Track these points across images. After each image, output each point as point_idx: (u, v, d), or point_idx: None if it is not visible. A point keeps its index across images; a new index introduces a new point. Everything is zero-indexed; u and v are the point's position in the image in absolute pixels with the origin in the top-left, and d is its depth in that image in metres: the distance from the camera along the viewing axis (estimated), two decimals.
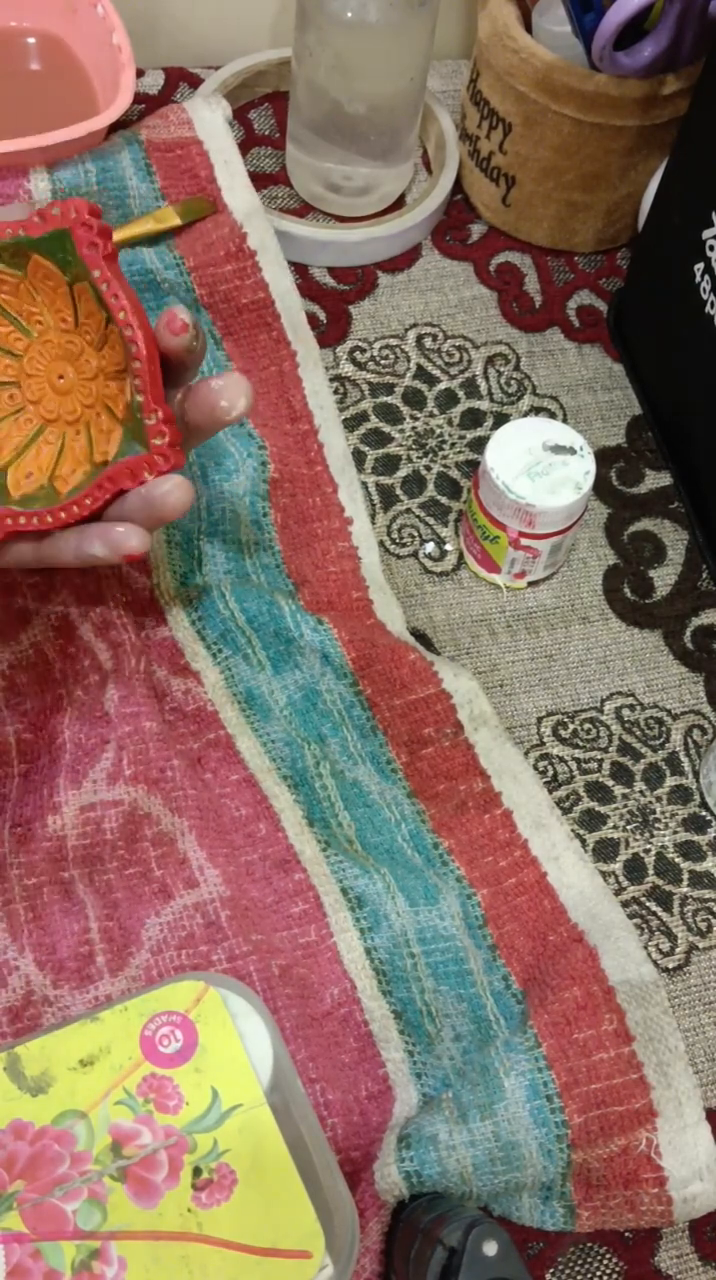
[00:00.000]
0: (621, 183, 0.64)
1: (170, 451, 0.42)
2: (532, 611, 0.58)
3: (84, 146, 0.59)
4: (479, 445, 0.61)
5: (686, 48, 0.58)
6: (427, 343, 0.64)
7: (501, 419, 0.62)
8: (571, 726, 0.55)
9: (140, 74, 0.69)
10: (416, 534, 0.59)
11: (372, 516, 0.59)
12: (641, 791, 0.54)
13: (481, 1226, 0.37)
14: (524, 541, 0.54)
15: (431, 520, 0.59)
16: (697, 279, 0.55)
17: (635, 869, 0.52)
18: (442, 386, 0.63)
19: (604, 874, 0.52)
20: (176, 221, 0.60)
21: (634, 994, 0.45)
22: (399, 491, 0.60)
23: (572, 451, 0.53)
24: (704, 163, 0.53)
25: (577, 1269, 0.45)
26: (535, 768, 0.54)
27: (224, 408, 0.42)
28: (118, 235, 0.59)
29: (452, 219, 0.68)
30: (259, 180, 0.67)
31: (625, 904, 0.51)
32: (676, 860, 0.53)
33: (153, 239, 0.60)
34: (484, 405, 0.63)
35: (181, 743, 0.50)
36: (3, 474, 0.45)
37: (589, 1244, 0.45)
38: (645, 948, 0.50)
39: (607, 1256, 0.45)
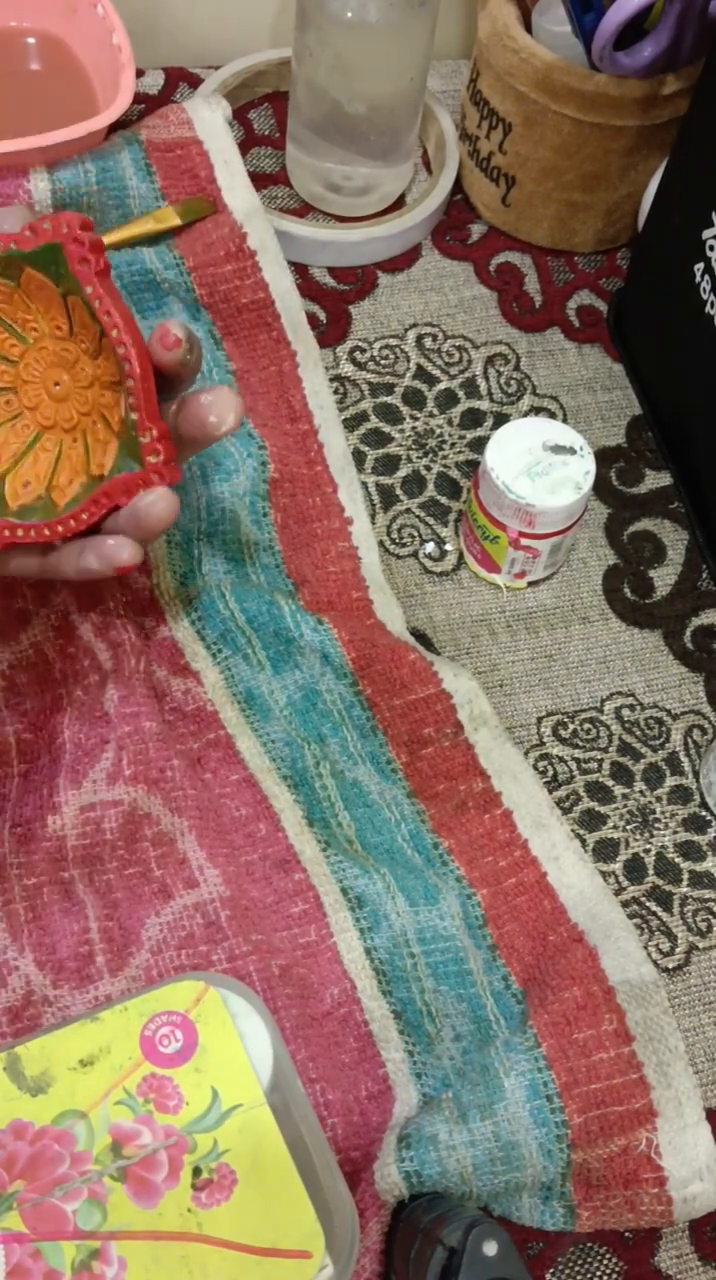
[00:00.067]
0: (621, 183, 0.64)
1: (165, 469, 0.42)
2: (532, 611, 0.58)
3: (84, 146, 0.59)
4: (479, 445, 0.61)
5: (686, 48, 0.58)
6: (428, 343, 0.64)
7: (501, 419, 0.62)
8: (571, 726, 0.55)
9: (140, 74, 0.69)
10: (416, 534, 0.59)
11: (373, 516, 0.59)
12: (641, 791, 0.54)
13: (481, 1226, 0.37)
14: (524, 541, 0.54)
15: (431, 520, 0.59)
16: (697, 279, 0.55)
17: (635, 869, 0.52)
18: (442, 386, 0.63)
19: (604, 874, 0.52)
20: (176, 221, 0.60)
21: (634, 994, 0.45)
22: (399, 491, 0.60)
23: (572, 451, 0.53)
24: (704, 163, 0.53)
25: (577, 1269, 0.45)
26: (535, 768, 0.54)
27: (213, 423, 0.42)
28: (118, 235, 0.59)
29: (452, 219, 0.68)
30: (259, 180, 0.67)
31: (625, 904, 0.51)
32: (676, 860, 0.53)
33: (153, 239, 0.60)
34: (484, 405, 0.63)
35: (181, 743, 0.50)
36: (1, 483, 0.45)
37: (589, 1244, 0.45)
38: (645, 948, 0.50)
39: (607, 1256, 0.45)
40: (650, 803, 0.54)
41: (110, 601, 0.51)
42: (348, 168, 0.64)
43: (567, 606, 0.58)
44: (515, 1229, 0.45)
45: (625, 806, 0.53)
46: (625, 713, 0.56)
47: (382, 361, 0.63)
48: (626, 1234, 0.45)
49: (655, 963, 0.50)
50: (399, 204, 0.67)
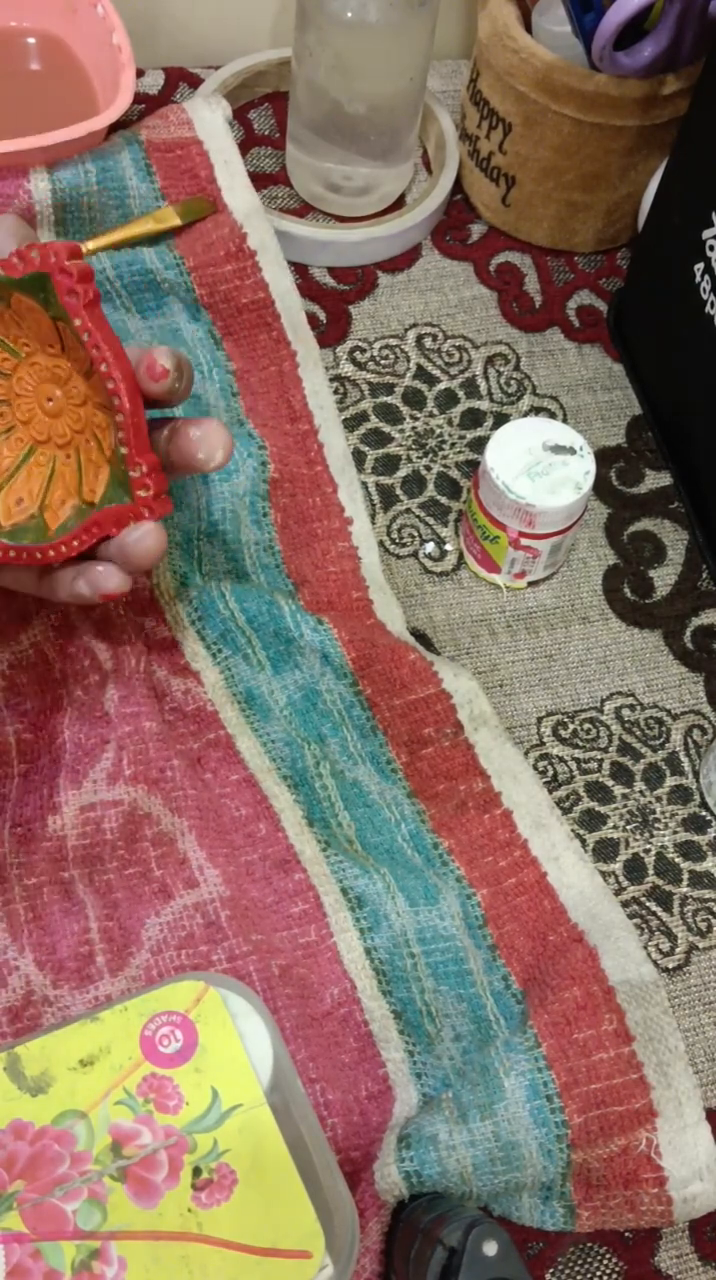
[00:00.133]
0: (621, 183, 0.64)
1: (155, 503, 0.42)
2: (532, 611, 0.58)
3: (84, 146, 0.59)
4: (479, 445, 0.61)
5: (686, 48, 0.58)
6: (428, 343, 0.64)
7: (501, 419, 0.62)
8: (571, 726, 0.55)
9: (140, 74, 0.69)
10: (416, 534, 0.59)
11: (373, 516, 0.59)
12: (641, 791, 0.54)
13: (481, 1226, 0.37)
14: (524, 541, 0.54)
15: (431, 520, 0.59)
16: (697, 279, 0.55)
17: (635, 869, 0.52)
18: (442, 386, 0.63)
19: (604, 874, 0.52)
20: (176, 221, 0.60)
21: (634, 994, 0.45)
22: (399, 491, 0.60)
23: (572, 451, 0.53)
24: (704, 163, 0.53)
25: (577, 1269, 0.45)
26: (535, 768, 0.54)
27: (201, 459, 0.42)
28: (118, 235, 0.59)
29: (452, 219, 0.68)
30: (259, 180, 0.67)
31: (625, 904, 0.51)
32: (676, 860, 0.53)
33: (153, 239, 0.60)
34: (484, 405, 0.63)
35: (181, 743, 0.50)
36: None
37: (589, 1244, 0.45)
38: (645, 948, 0.50)
39: (607, 1256, 0.45)
40: (650, 803, 0.54)
41: (110, 602, 0.51)
42: (348, 168, 0.64)
43: (567, 606, 0.58)
44: (515, 1229, 0.45)
45: (625, 806, 0.53)
46: (625, 713, 0.56)
47: (382, 361, 0.63)
48: (626, 1234, 0.45)
49: (655, 963, 0.50)
50: (399, 204, 0.67)
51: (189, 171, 0.61)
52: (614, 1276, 0.45)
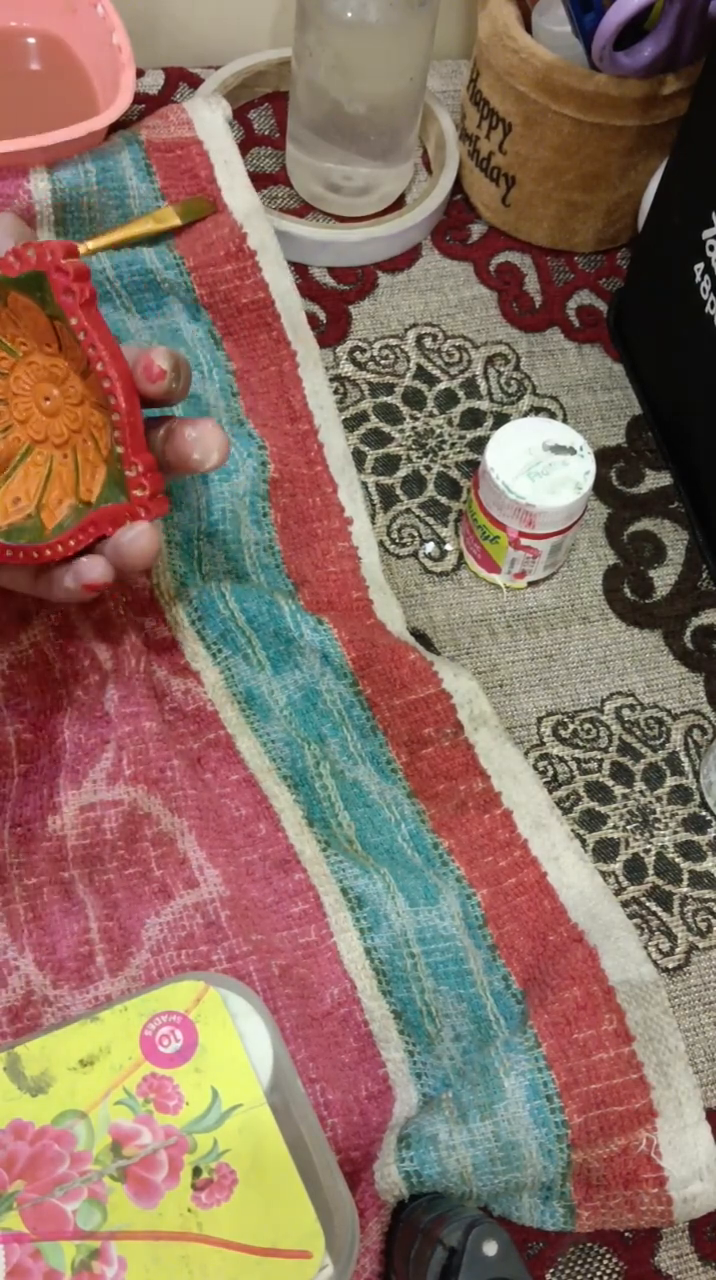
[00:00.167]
0: (621, 183, 0.64)
1: (151, 503, 0.42)
2: (532, 611, 0.58)
3: (84, 146, 0.59)
4: (479, 445, 0.61)
5: (686, 48, 0.58)
6: (428, 343, 0.64)
7: (501, 419, 0.62)
8: (571, 726, 0.55)
9: (140, 74, 0.69)
10: (416, 534, 0.59)
11: (373, 516, 0.59)
12: (641, 791, 0.54)
13: (481, 1226, 0.37)
14: (524, 541, 0.54)
15: (431, 520, 0.59)
16: (697, 279, 0.55)
17: (635, 869, 0.52)
18: (442, 386, 0.63)
19: (604, 874, 0.52)
20: (176, 221, 0.60)
21: (634, 994, 0.45)
22: (399, 491, 0.60)
23: (572, 451, 0.53)
24: (704, 163, 0.53)
25: (577, 1269, 0.45)
26: (535, 768, 0.54)
27: (197, 460, 0.42)
28: (118, 235, 0.59)
29: (452, 219, 0.68)
30: (259, 180, 0.67)
31: (625, 904, 0.51)
32: (676, 860, 0.53)
33: (153, 239, 0.60)
34: (484, 405, 0.63)
35: (181, 743, 0.50)
36: None
37: (589, 1244, 0.45)
38: (645, 948, 0.50)
39: (607, 1256, 0.45)
40: (650, 803, 0.54)
41: (110, 601, 0.51)
42: (348, 168, 0.64)
43: (567, 606, 0.58)
44: (515, 1229, 0.45)
45: (625, 806, 0.53)
46: (625, 713, 0.56)
47: (382, 361, 0.63)
48: (626, 1234, 0.45)
49: (655, 963, 0.50)
50: (399, 204, 0.67)
51: (189, 171, 0.61)
52: (614, 1276, 0.45)
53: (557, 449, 0.53)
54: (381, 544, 0.58)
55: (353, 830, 0.49)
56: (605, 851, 0.52)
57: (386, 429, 0.61)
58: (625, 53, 0.57)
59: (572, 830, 0.52)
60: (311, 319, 0.63)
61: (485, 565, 0.57)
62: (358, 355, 0.63)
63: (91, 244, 0.59)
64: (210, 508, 0.55)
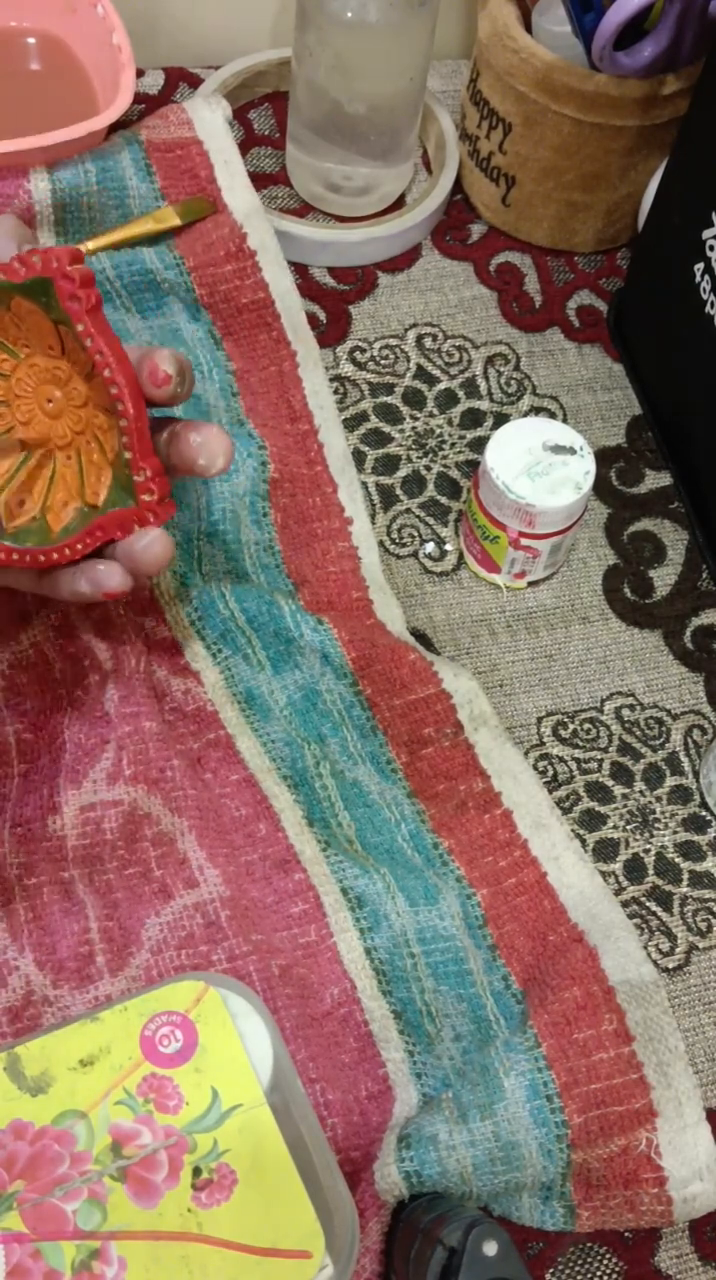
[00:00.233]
0: (621, 183, 0.64)
1: (159, 507, 0.42)
2: (532, 611, 0.58)
3: (84, 146, 0.59)
4: (479, 445, 0.61)
5: (686, 48, 0.58)
6: (428, 343, 0.64)
7: (501, 419, 0.62)
8: (571, 726, 0.55)
9: (140, 74, 0.69)
10: (416, 534, 0.59)
11: (373, 516, 0.59)
12: (641, 791, 0.54)
13: (481, 1226, 0.37)
14: (524, 541, 0.54)
15: (431, 520, 0.59)
16: (697, 279, 0.55)
17: (635, 869, 0.52)
18: (442, 386, 0.63)
19: (604, 874, 0.52)
20: (176, 221, 0.60)
21: (634, 994, 0.45)
22: (399, 491, 0.60)
23: (572, 451, 0.53)
24: (704, 163, 0.53)
25: (577, 1269, 0.45)
26: (535, 768, 0.54)
27: (202, 465, 0.42)
28: (118, 235, 0.59)
29: (452, 219, 0.68)
30: (259, 180, 0.67)
31: (625, 904, 0.51)
32: (676, 860, 0.53)
33: (153, 239, 0.60)
34: (484, 405, 0.63)
35: (181, 743, 0.50)
36: None
37: (589, 1244, 0.45)
38: (645, 948, 0.50)
39: (607, 1256, 0.45)
40: (650, 803, 0.54)
41: (110, 601, 0.51)
42: (348, 168, 0.64)
43: (567, 606, 0.58)
44: (515, 1229, 0.45)
45: (625, 806, 0.53)
46: (625, 713, 0.56)
47: (382, 361, 0.63)
48: (626, 1234, 0.45)
49: (655, 963, 0.50)
50: (399, 204, 0.67)
51: (189, 171, 0.61)
52: (614, 1276, 0.45)
53: (557, 449, 0.53)
54: (381, 544, 0.58)
55: (352, 830, 0.49)
56: (605, 851, 0.52)
57: (386, 429, 0.61)
58: (625, 53, 0.57)
59: (572, 830, 0.52)
60: (311, 319, 0.63)
61: (485, 565, 0.57)
62: (358, 355, 0.63)
63: (91, 244, 0.59)
64: (210, 508, 0.55)
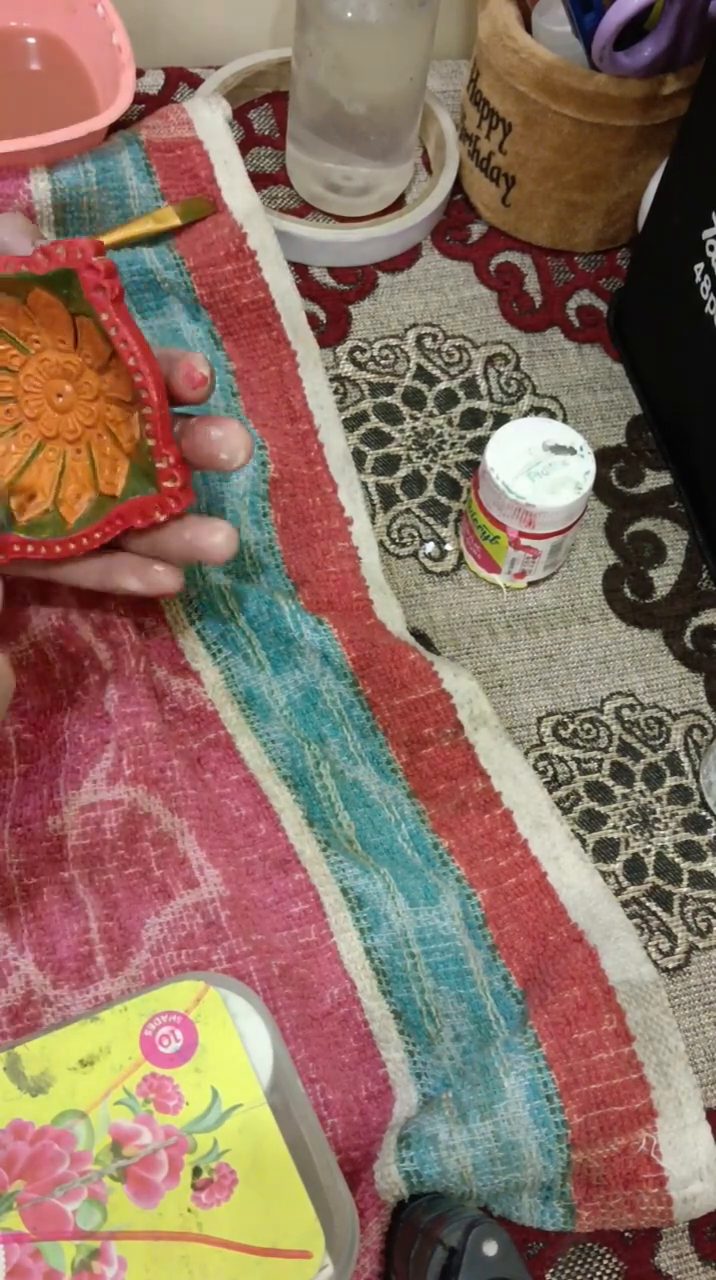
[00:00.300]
0: (621, 183, 0.64)
1: (181, 494, 0.43)
2: (532, 611, 0.58)
3: (84, 146, 0.59)
4: (479, 445, 0.61)
5: (686, 48, 0.58)
6: (428, 343, 0.64)
7: (501, 419, 0.62)
8: (571, 726, 0.55)
9: (140, 74, 0.69)
10: (416, 534, 0.59)
11: (373, 516, 0.59)
12: (641, 791, 0.54)
13: (481, 1226, 0.37)
14: (524, 541, 0.54)
15: (431, 520, 0.59)
16: (697, 279, 0.55)
17: (635, 869, 0.52)
18: (442, 386, 0.63)
19: (604, 874, 0.52)
20: (176, 221, 0.60)
21: (634, 994, 0.45)
22: (399, 491, 0.60)
23: (572, 451, 0.53)
24: (704, 163, 0.53)
25: (577, 1269, 0.45)
26: (535, 768, 0.54)
27: (224, 460, 0.43)
28: (118, 235, 0.59)
29: (452, 219, 0.68)
30: (259, 180, 0.67)
31: (625, 904, 0.51)
32: (676, 860, 0.53)
33: (153, 239, 0.60)
34: (484, 405, 0.63)
35: (181, 743, 0.50)
36: (6, 500, 0.45)
37: (589, 1244, 0.45)
38: (645, 948, 0.50)
39: (607, 1256, 0.45)
40: (650, 803, 0.54)
41: (110, 601, 0.51)
42: (348, 168, 0.64)
43: (567, 606, 0.58)
44: (515, 1229, 0.45)
45: (625, 806, 0.53)
46: (625, 713, 0.56)
47: (382, 361, 0.63)
48: (626, 1234, 0.45)
49: (655, 963, 0.50)
50: (399, 204, 0.67)
51: (189, 171, 0.61)
52: (614, 1276, 0.45)
53: (557, 449, 0.53)
54: (381, 544, 0.58)
55: (353, 830, 0.49)
56: (605, 851, 0.52)
57: (386, 429, 0.61)
58: (625, 53, 0.57)
59: (572, 830, 0.52)
60: (311, 319, 0.63)
61: (485, 565, 0.57)
62: (358, 355, 0.63)
63: None
64: (210, 508, 0.55)
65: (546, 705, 0.55)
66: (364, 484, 0.59)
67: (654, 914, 0.51)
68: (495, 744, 0.51)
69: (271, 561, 0.55)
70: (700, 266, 0.55)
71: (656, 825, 0.53)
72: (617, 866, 0.52)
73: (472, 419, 0.62)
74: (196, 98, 0.63)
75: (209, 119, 0.62)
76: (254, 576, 0.54)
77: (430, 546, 0.58)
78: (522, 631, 0.57)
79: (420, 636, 0.56)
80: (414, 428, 0.61)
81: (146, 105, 0.68)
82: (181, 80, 0.69)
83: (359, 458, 0.60)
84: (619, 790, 0.54)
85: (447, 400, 0.62)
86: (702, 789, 0.54)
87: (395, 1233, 0.42)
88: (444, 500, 0.60)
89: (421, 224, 0.65)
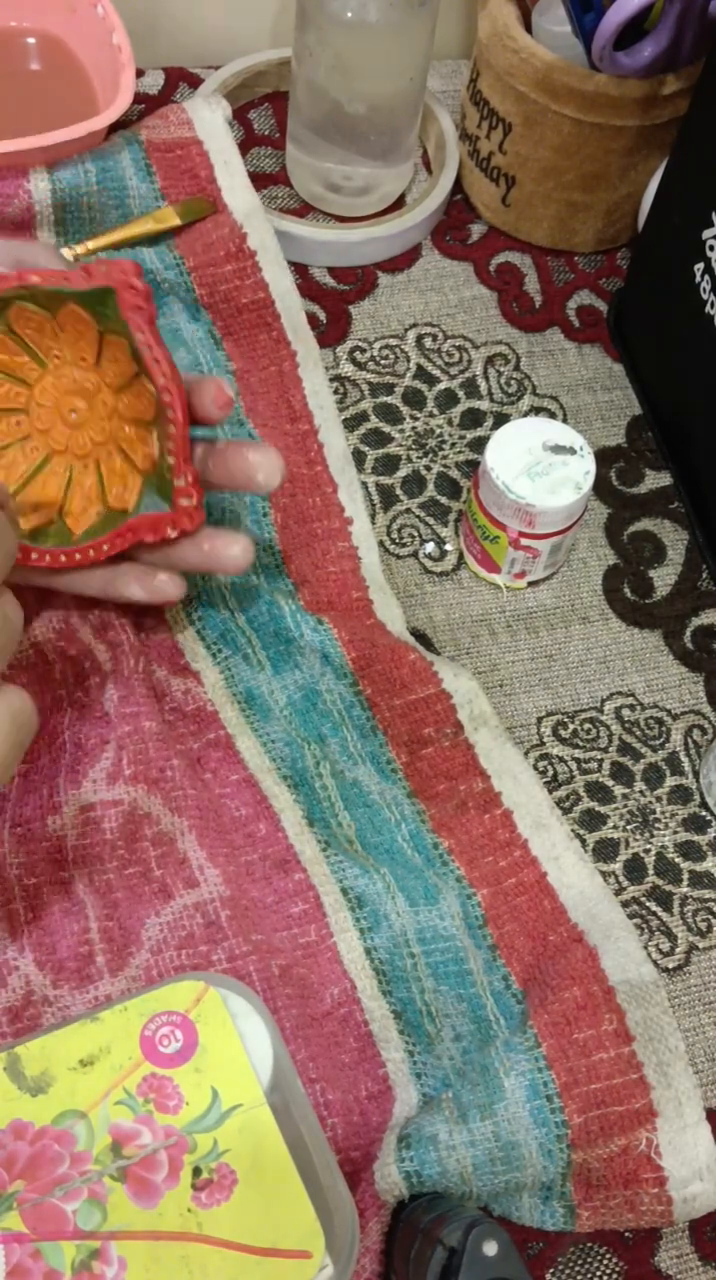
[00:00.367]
0: (621, 183, 0.64)
1: (196, 512, 0.45)
2: (532, 611, 0.58)
3: (84, 146, 0.59)
4: (479, 445, 0.61)
5: (686, 48, 0.58)
6: (428, 343, 0.64)
7: (501, 419, 0.62)
8: (571, 726, 0.55)
9: (140, 74, 0.69)
10: (416, 534, 0.59)
11: (373, 516, 0.59)
12: (641, 791, 0.54)
13: (481, 1226, 0.37)
14: (524, 541, 0.54)
15: (431, 520, 0.59)
16: (697, 279, 0.55)
17: (635, 869, 0.52)
18: (442, 386, 0.63)
19: (604, 874, 0.52)
20: (176, 221, 0.60)
21: (634, 994, 0.45)
22: (399, 491, 0.60)
23: (572, 451, 0.53)
24: (704, 163, 0.53)
25: (577, 1269, 0.45)
26: (535, 768, 0.54)
27: (261, 482, 0.45)
28: (118, 235, 0.59)
29: (452, 219, 0.68)
30: (259, 180, 0.67)
31: (625, 904, 0.51)
32: (676, 860, 0.53)
33: (153, 239, 0.60)
34: (484, 405, 0.63)
35: (181, 743, 0.50)
36: (10, 506, 0.46)
37: (589, 1244, 0.45)
38: (645, 948, 0.50)
39: (607, 1256, 0.45)
40: (650, 803, 0.54)
41: (110, 603, 0.51)
42: (348, 168, 0.64)
43: (567, 606, 0.58)
44: (515, 1229, 0.45)
45: (625, 806, 0.53)
46: (625, 713, 0.56)
47: (382, 361, 0.63)
48: (626, 1234, 0.45)
49: (655, 963, 0.50)
50: (399, 204, 0.67)
51: (189, 171, 0.61)
52: (614, 1276, 0.45)
53: (557, 449, 0.53)
54: (381, 544, 0.58)
55: (353, 830, 0.49)
56: (605, 851, 0.52)
57: (386, 429, 0.61)
58: (625, 53, 0.57)
59: (572, 830, 0.52)
60: (311, 319, 0.63)
61: (485, 565, 0.57)
62: (358, 355, 0.63)
63: (91, 244, 0.59)
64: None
65: (546, 705, 0.55)
66: (364, 484, 0.59)
67: (654, 914, 0.51)
68: (495, 744, 0.51)
69: (271, 561, 0.55)
70: (700, 266, 0.55)
71: (656, 825, 0.53)
72: (617, 866, 0.52)
73: (472, 419, 0.62)
74: (196, 98, 0.63)
75: (209, 119, 0.62)
76: (254, 576, 0.54)
77: (430, 546, 0.58)
78: (522, 631, 0.57)
79: (420, 636, 0.56)
80: (414, 428, 0.61)
81: (146, 105, 0.68)
82: (181, 80, 0.69)
83: (359, 458, 0.60)
84: (619, 790, 0.54)
85: (447, 400, 0.62)
86: (702, 789, 0.54)
87: (395, 1233, 0.42)
88: (444, 500, 0.60)
89: (421, 224, 0.65)
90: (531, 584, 0.58)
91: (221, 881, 0.47)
